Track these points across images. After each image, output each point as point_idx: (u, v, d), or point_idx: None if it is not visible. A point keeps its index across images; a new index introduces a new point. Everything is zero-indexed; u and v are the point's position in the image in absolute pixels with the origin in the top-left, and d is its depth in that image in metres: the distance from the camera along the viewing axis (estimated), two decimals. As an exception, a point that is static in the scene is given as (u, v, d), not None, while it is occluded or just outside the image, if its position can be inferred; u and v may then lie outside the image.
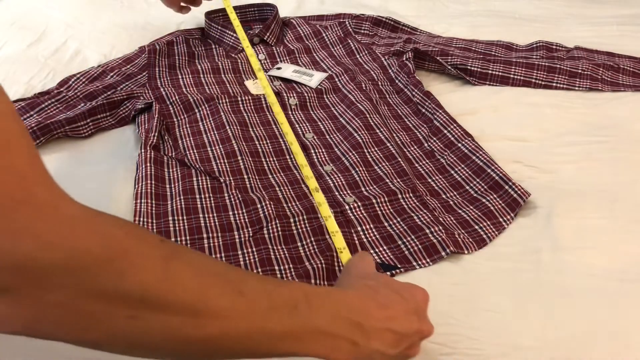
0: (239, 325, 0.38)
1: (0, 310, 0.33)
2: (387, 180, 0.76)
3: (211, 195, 0.73)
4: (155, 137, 0.82)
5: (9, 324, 0.33)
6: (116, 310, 0.34)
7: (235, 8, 1.15)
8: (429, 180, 0.78)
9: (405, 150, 0.83)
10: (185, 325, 0.36)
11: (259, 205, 0.71)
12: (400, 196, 0.73)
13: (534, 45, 1.08)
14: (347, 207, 0.71)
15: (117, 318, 0.35)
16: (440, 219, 0.70)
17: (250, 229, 0.68)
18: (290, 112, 0.90)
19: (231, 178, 0.76)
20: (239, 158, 0.79)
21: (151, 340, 0.37)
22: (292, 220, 0.69)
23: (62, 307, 0.33)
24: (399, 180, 0.76)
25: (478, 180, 0.76)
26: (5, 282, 0.31)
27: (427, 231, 0.67)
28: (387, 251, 0.66)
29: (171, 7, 1.10)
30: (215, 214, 0.71)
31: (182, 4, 1.09)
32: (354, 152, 0.80)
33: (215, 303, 0.37)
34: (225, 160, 0.79)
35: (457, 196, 0.75)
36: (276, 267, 0.63)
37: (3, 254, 0.31)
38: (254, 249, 0.66)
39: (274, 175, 0.78)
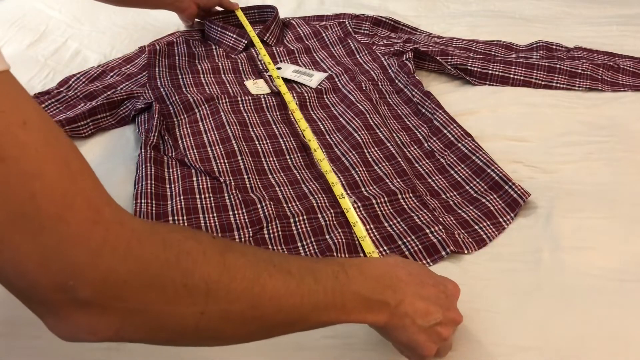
0: (291, 302, 0.42)
1: (90, 323, 0.35)
2: (387, 181, 0.76)
3: (211, 195, 0.73)
4: (155, 137, 0.82)
5: (99, 335, 0.36)
6: (185, 307, 0.37)
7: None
8: (429, 180, 0.78)
9: (405, 150, 0.83)
10: (246, 309, 0.40)
11: (259, 206, 0.71)
12: (400, 196, 0.73)
13: (534, 45, 1.08)
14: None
15: (186, 315, 0.38)
16: (440, 219, 0.70)
17: (250, 229, 0.68)
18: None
19: (231, 178, 0.76)
20: (239, 158, 0.79)
21: (217, 330, 0.40)
22: (292, 220, 0.69)
23: (140, 313, 0.36)
24: (399, 180, 0.76)
25: (478, 180, 0.76)
26: (91, 296, 0.34)
27: (427, 231, 0.67)
28: (388, 251, 0.66)
29: (185, 22, 1.17)
30: (215, 214, 0.71)
31: (197, 19, 1.16)
32: (353, 152, 0.80)
33: (270, 285, 0.41)
34: (225, 160, 0.79)
35: (457, 196, 0.75)
36: (276, 267, 0.63)
37: (86, 270, 0.34)
38: (254, 249, 0.66)
39: (274, 175, 0.78)
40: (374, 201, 0.72)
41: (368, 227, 0.69)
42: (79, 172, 0.35)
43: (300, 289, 0.42)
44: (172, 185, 0.75)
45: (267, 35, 1.09)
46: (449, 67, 1.00)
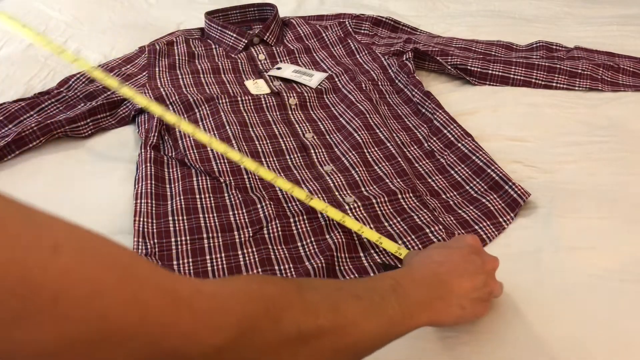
0: (370, 323, 0.43)
1: None
2: (387, 180, 0.76)
3: (211, 195, 0.73)
4: (155, 137, 0.82)
5: None
6: (280, 355, 0.37)
7: (235, 8, 1.16)
8: (429, 180, 0.78)
9: (405, 150, 0.83)
10: (334, 341, 0.40)
11: (259, 205, 0.71)
12: (400, 196, 0.73)
13: (534, 45, 1.08)
14: (347, 207, 0.71)
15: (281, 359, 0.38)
16: (440, 218, 0.70)
17: (250, 229, 0.68)
18: (290, 112, 0.90)
19: (231, 178, 0.76)
20: (239, 158, 0.79)
21: None
22: (292, 220, 0.69)
23: None
24: (399, 180, 0.76)
25: (478, 180, 0.76)
26: None
27: (427, 231, 0.67)
28: (388, 251, 0.66)
29: None
30: (215, 214, 0.71)
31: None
32: (353, 152, 0.80)
33: (350, 312, 0.42)
34: (225, 160, 0.79)
35: (457, 196, 0.75)
36: (276, 267, 0.63)
37: (185, 355, 0.33)
38: (254, 249, 0.66)
39: (274, 175, 0.78)
40: (374, 201, 0.72)
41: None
42: (132, 270, 0.33)
43: (373, 310, 0.43)
44: (172, 185, 0.75)
45: (267, 34, 1.09)
46: (449, 67, 1.00)
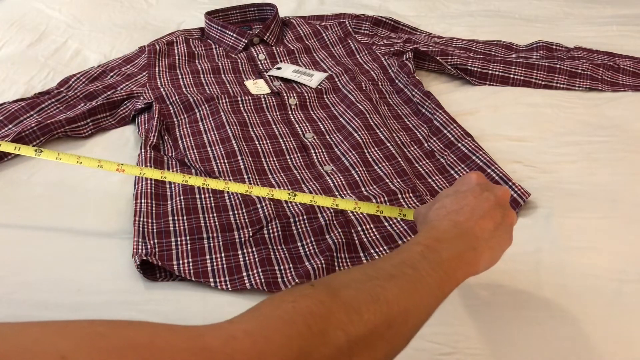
0: (411, 300, 0.41)
1: None
2: (387, 180, 0.76)
3: (211, 195, 0.73)
4: (155, 137, 0.82)
5: None
6: None
7: (235, 8, 1.16)
8: (429, 180, 0.78)
9: (405, 150, 0.83)
10: (385, 330, 0.39)
11: (258, 205, 0.71)
12: (400, 196, 0.73)
13: (534, 45, 1.08)
14: (347, 207, 0.71)
15: None
16: (440, 219, 0.70)
17: (250, 229, 0.68)
18: (290, 112, 0.90)
19: (231, 178, 0.76)
20: (239, 158, 0.79)
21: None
22: (292, 220, 0.69)
23: None
24: (399, 180, 0.76)
25: (478, 180, 0.76)
26: None
27: (427, 231, 0.67)
28: (388, 251, 0.66)
29: None
30: (215, 214, 0.71)
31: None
32: (354, 152, 0.80)
33: (389, 296, 0.40)
34: (225, 160, 0.79)
35: (457, 196, 0.75)
36: (276, 267, 0.63)
37: None
38: (254, 249, 0.66)
39: (274, 175, 0.78)
40: (374, 201, 0.72)
41: (368, 226, 0.69)
42: (154, 348, 0.31)
43: (410, 284, 0.42)
44: (172, 185, 0.75)
45: (267, 34, 1.09)
46: (449, 67, 1.00)
